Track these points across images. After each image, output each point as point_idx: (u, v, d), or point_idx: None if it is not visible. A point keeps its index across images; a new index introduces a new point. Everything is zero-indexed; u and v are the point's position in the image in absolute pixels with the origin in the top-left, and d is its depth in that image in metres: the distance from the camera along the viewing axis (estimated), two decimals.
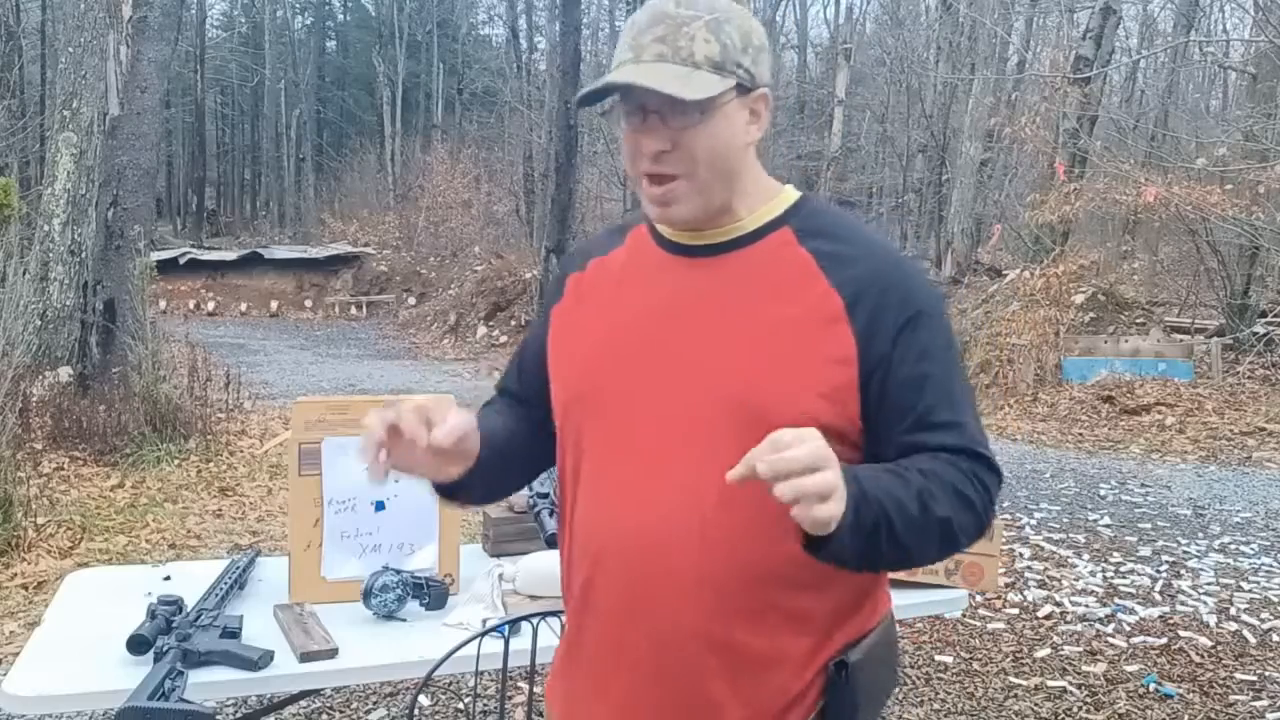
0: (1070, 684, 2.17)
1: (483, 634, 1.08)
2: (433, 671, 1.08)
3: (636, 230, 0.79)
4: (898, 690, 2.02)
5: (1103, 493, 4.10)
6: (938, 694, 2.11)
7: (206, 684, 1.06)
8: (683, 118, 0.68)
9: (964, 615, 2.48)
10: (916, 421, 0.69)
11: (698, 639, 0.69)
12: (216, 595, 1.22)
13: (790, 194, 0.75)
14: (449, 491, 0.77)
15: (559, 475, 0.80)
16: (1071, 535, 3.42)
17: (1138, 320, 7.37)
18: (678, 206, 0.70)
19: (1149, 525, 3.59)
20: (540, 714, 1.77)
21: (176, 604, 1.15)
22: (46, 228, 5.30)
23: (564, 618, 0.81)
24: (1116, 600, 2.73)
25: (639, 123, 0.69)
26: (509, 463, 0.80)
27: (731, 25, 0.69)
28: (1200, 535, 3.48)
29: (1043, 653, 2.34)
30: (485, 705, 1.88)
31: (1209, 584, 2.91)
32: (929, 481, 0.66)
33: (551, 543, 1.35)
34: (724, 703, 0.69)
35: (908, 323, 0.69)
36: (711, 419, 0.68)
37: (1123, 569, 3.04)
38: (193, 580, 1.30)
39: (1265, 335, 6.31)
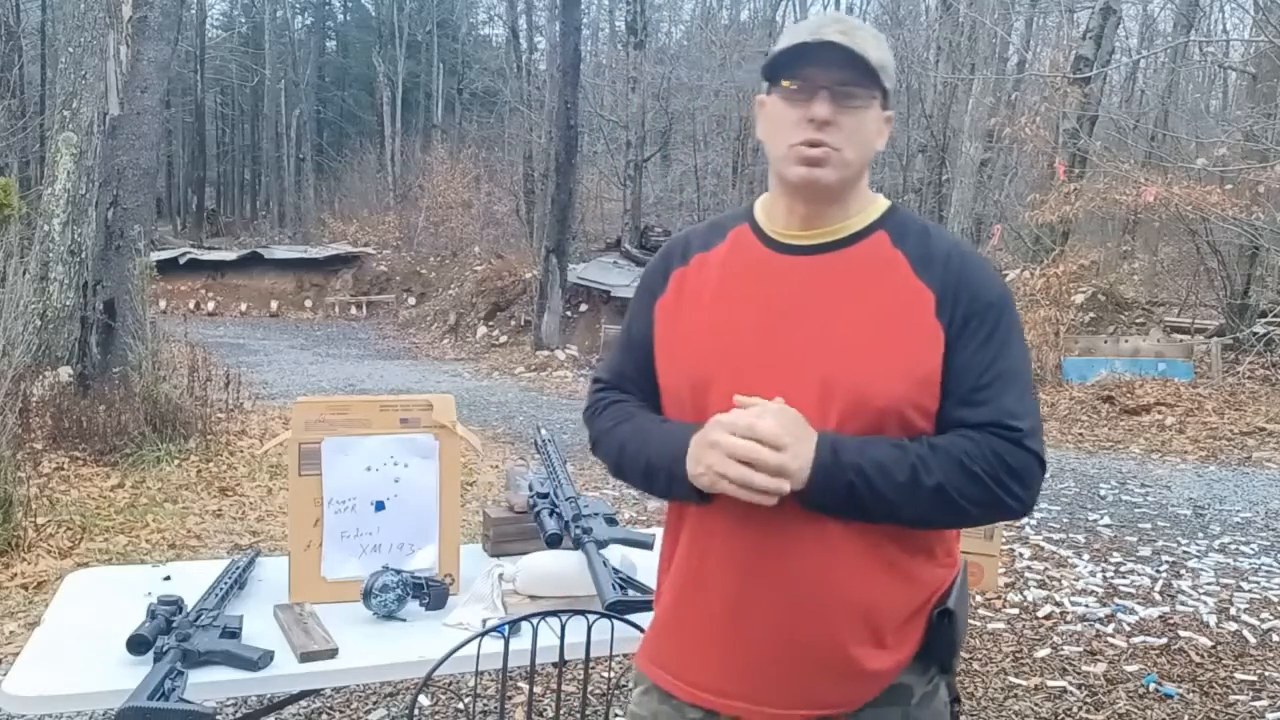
0: (1070, 684, 2.16)
1: (482, 634, 1.08)
2: (432, 672, 1.08)
3: (739, 229, 0.87)
4: None
5: (1103, 493, 4.11)
6: None
7: (207, 684, 1.06)
8: (850, 100, 0.78)
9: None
10: (962, 398, 0.78)
11: (826, 589, 0.77)
12: (216, 595, 1.22)
13: (883, 202, 0.86)
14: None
15: None
16: (1071, 535, 3.42)
17: (1138, 320, 7.39)
18: (827, 170, 0.79)
19: (1149, 525, 3.59)
20: (540, 714, 1.78)
21: (176, 604, 1.15)
22: (46, 228, 5.30)
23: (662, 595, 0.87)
24: (1116, 600, 2.73)
25: (807, 94, 0.78)
26: None
27: (885, 47, 0.81)
28: (1200, 535, 3.48)
29: (1043, 653, 2.34)
30: (485, 705, 1.88)
31: (1209, 584, 2.91)
32: (932, 453, 0.76)
33: (552, 543, 1.35)
34: (847, 641, 0.77)
35: (978, 312, 0.79)
36: (815, 402, 0.77)
37: (1123, 569, 3.04)
38: (193, 580, 1.30)
39: (1265, 335, 6.30)
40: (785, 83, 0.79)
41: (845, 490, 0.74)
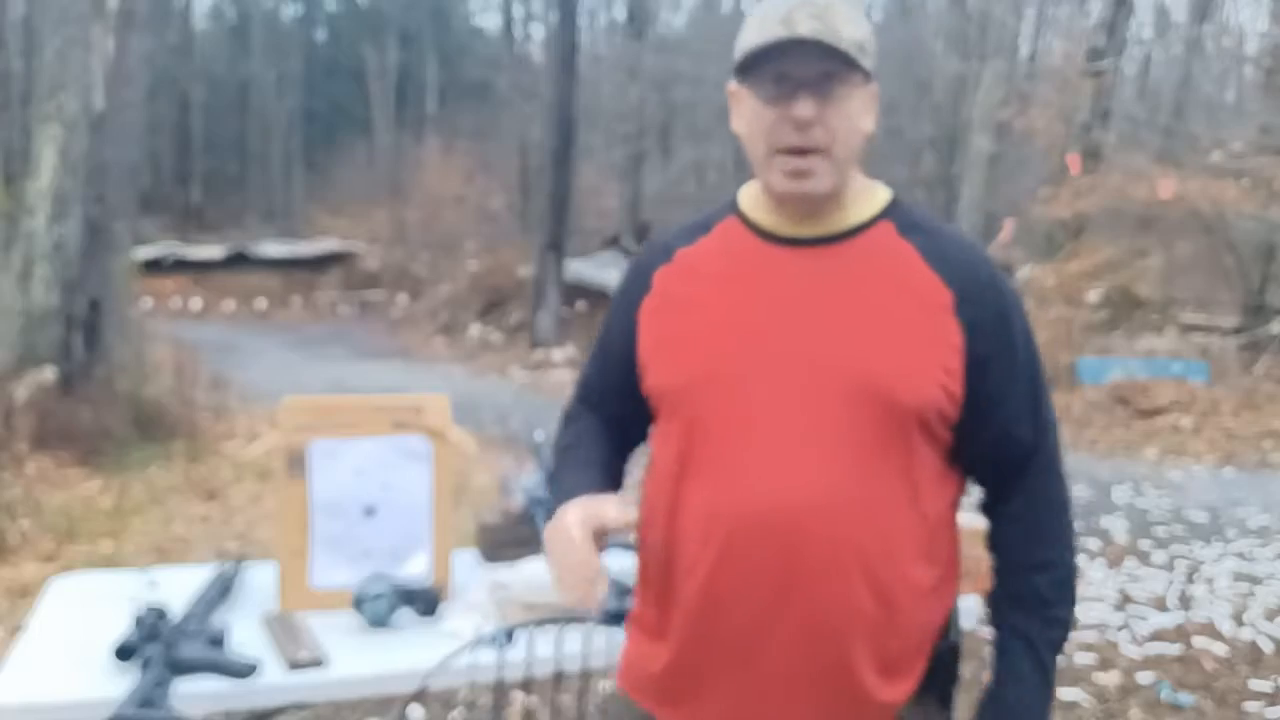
0: (1083, 693, 2.14)
1: (476, 644, 1.06)
2: (424, 683, 1.06)
3: (726, 222, 0.80)
4: None
5: (1116, 497, 4.06)
6: None
7: (194, 694, 1.04)
8: (829, 90, 0.71)
9: (976, 624, 2.46)
10: (1002, 429, 0.75)
11: (849, 613, 0.72)
12: (204, 602, 1.20)
13: (885, 190, 0.79)
14: None
15: (656, 458, 0.80)
16: (1085, 541, 3.37)
17: (1153, 318, 7.25)
18: (816, 180, 0.73)
19: (1164, 530, 3.55)
20: None
21: (163, 611, 1.12)
22: (30, 224, 5.21)
23: (635, 606, 0.82)
24: (1130, 607, 2.70)
25: (786, 93, 0.71)
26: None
27: (862, 21, 0.74)
28: (1216, 540, 3.42)
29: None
30: (479, 717, 1.86)
31: (1224, 590, 2.87)
32: (1032, 644, 0.77)
33: None
34: (863, 675, 0.73)
35: (1004, 323, 0.75)
36: (840, 402, 0.72)
37: (1137, 575, 3.01)
38: (179, 585, 1.27)
39: None
40: (760, 83, 0.72)
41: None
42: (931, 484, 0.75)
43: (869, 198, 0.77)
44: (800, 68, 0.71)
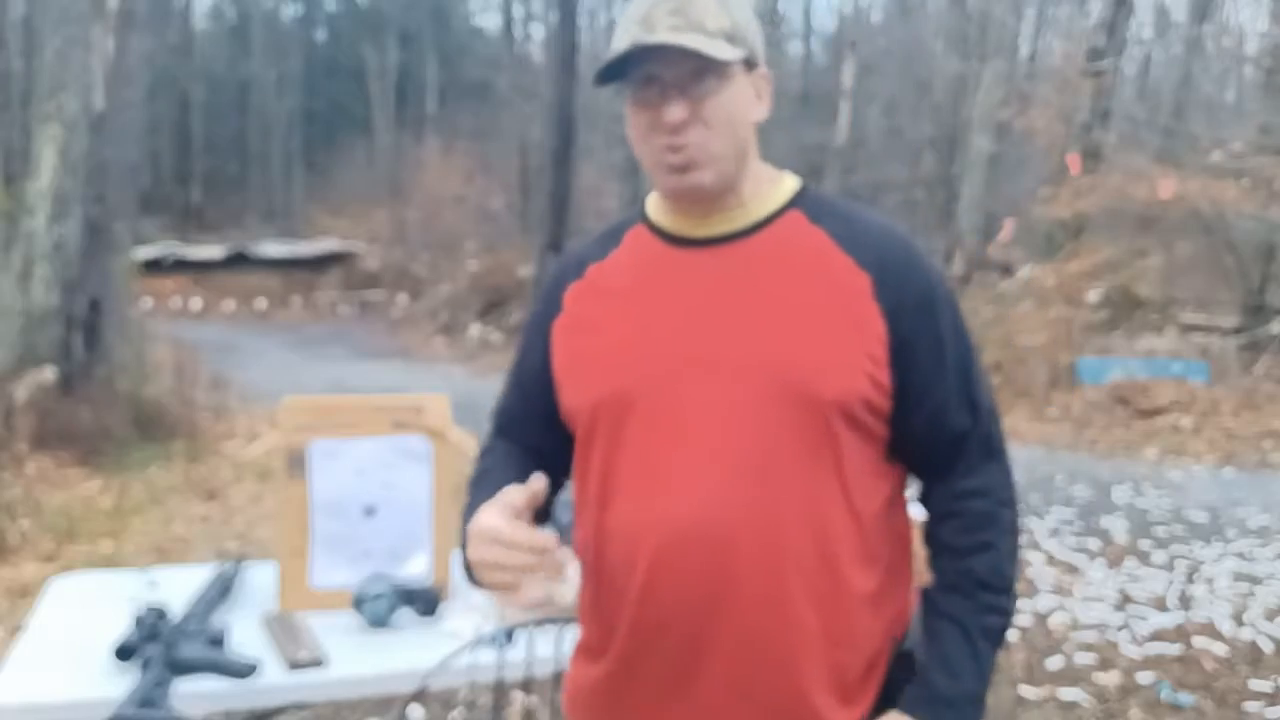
0: (1083, 693, 2.13)
1: (475, 644, 1.06)
2: (424, 683, 1.06)
3: (634, 231, 0.77)
4: None
5: (1116, 497, 4.04)
6: None
7: (194, 694, 1.03)
8: (700, 86, 0.68)
9: None
10: (934, 416, 0.72)
11: (789, 627, 0.68)
12: (204, 602, 1.19)
13: (791, 179, 0.76)
14: None
15: (578, 481, 0.77)
16: (1085, 541, 3.37)
17: (1153, 318, 7.24)
18: (699, 172, 0.69)
19: (1164, 530, 3.54)
20: None
21: (163, 611, 1.12)
22: (30, 224, 5.21)
23: (580, 633, 0.78)
24: (1130, 607, 2.70)
25: (655, 95, 0.69)
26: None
27: (738, 4, 0.70)
28: (1216, 540, 3.42)
29: (1055, 662, 2.30)
30: (478, 717, 1.86)
31: (1224, 590, 2.87)
32: (965, 636, 0.71)
33: None
34: (808, 690, 0.69)
35: (927, 305, 0.71)
36: (761, 402, 0.68)
37: (1136, 575, 3.00)
38: (179, 585, 1.27)
39: None
40: (632, 86, 0.68)
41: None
42: (864, 480, 0.70)
43: (774, 189, 0.73)
44: (667, 69, 0.67)
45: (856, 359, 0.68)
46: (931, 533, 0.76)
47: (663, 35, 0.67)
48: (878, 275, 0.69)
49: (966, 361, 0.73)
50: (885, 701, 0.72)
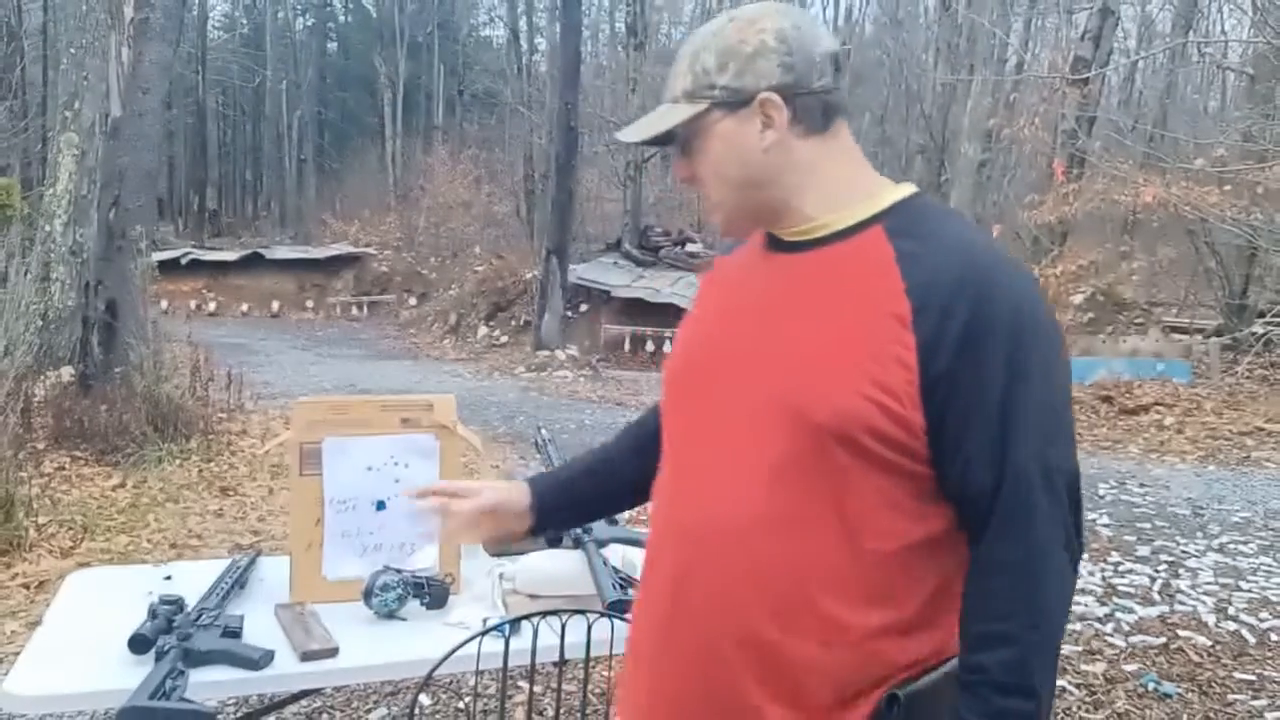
0: (1069, 684, 2.16)
1: (483, 633, 1.08)
2: (433, 671, 1.08)
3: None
4: None
5: (1101, 493, 4.09)
6: None
7: (207, 683, 1.06)
8: (691, 144, 0.73)
9: None
10: (965, 467, 0.64)
11: (733, 633, 0.67)
12: (218, 595, 1.22)
13: (897, 191, 0.71)
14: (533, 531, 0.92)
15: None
16: None
17: (1136, 320, 7.36)
18: (713, 216, 0.76)
19: (1148, 525, 3.58)
20: (540, 713, 1.78)
21: (177, 603, 1.15)
22: (48, 228, 5.31)
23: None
24: (1115, 600, 2.73)
25: (675, 156, 0.77)
26: (606, 487, 0.92)
27: (709, 51, 0.70)
28: (1199, 535, 3.47)
29: None
30: (486, 705, 1.88)
31: (1208, 583, 2.91)
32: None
33: (552, 543, 1.35)
34: (760, 704, 0.66)
35: (974, 340, 0.62)
36: (758, 414, 0.67)
37: (1121, 569, 3.04)
38: (194, 580, 1.30)
39: (1264, 335, 6.29)
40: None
41: None
42: (880, 515, 0.64)
43: (867, 201, 0.70)
44: (658, 146, 0.77)
45: (858, 384, 0.63)
46: (961, 604, 0.67)
47: (644, 119, 0.75)
48: (920, 302, 0.63)
49: (1010, 413, 0.62)
50: None
